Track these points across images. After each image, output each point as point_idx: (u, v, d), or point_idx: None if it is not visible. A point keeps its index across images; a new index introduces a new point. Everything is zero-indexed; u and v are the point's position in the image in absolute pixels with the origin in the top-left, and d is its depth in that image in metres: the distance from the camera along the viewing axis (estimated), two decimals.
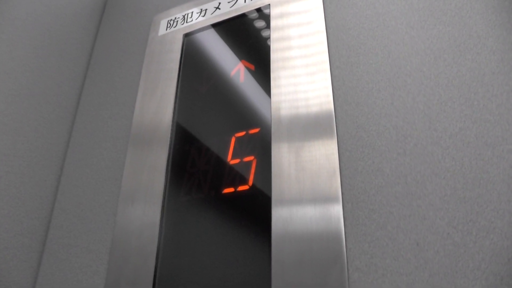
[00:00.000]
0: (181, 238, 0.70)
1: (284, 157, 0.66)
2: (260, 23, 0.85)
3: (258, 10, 0.86)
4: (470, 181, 0.54)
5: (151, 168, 0.78)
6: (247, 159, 0.71)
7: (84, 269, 0.77)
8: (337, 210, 0.59)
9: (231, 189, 0.70)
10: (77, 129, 0.99)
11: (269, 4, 0.84)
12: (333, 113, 0.66)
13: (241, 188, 0.69)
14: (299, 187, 0.63)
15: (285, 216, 0.61)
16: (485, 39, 0.62)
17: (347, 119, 0.66)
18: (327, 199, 0.60)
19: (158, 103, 0.86)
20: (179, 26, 0.96)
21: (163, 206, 0.73)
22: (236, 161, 0.72)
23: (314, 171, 0.63)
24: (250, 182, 0.68)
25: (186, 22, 0.95)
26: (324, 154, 0.64)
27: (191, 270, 0.67)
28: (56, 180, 0.93)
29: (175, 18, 0.98)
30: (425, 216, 0.54)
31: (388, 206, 0.57)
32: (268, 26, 0.82)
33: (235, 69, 0.82)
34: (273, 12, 0.83)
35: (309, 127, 0.67)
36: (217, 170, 0.73)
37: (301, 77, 0.72)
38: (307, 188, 0.62)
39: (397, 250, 0.54)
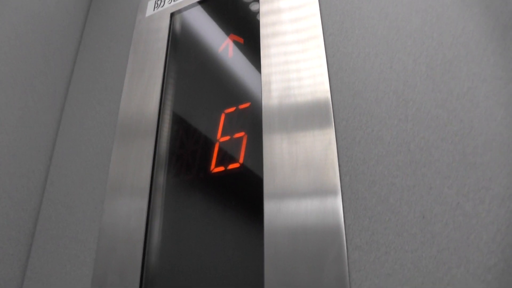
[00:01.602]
0: (169, 224, 0.65)
1: (276, 131, 0.61)
2: None
3: None
4: (481, 144, 0.48)
5: (139, 152, 0.73)
6: (237, 135, 0.66)
7: (72, 261, 0.73)
8: (333, 183, 0.53)
9: (221, 168, 0.64)
10: (66, 118, 0.95)
11: None
12: (328, 82, 0.61)
13: (231, 166, 0.64)
14: (292, 159, 0.57)
15: (277, 191, 0.56)
16: None
17: (342, 87, 0.60)
18: (323, 173, 0.54)
19: (145, 85, 0.81)
20: (166, 5, 0.91)
21: (150, 191, 0.68)
22: (226, 138, 0.66)
23: (308, 143, 0.57)
24: (241, 160, 0.63)
25: (173, 1, 0.90)
26: (318, 124, 0.58)
27: (180, 256, 0.62)
28: (45, 171, 0.89)
29: None
30: (432, 186, 0.48)
31: (390, 177, 0.51)
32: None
33: (223, 44, 0.77)
34: None
35: (301, 98, 0.61)
36: (206, 149, 0.68)
37: (292, 45, 0.66)
38: (301, 160, 0.57)
39: (400, 225, 0.48)
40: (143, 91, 0.80)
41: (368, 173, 0.53)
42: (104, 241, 0.69)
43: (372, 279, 0.47)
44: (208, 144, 0.68)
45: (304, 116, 0.60)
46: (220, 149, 0.66)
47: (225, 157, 0.65)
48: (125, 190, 0.71)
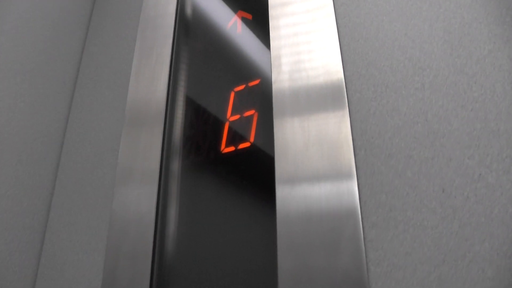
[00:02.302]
0: (180, 207, 0.64)
1: (287, 106, 0.58)
2: None
3: None
4: (505, 110, 0.44)
5: (148, 136, 0.72)
6: (247, 113, 0.63)
7: (84, 247, 0.72)
8: (347, 157, 0.50)
9: (231, 148, 0.62)
10: (75, 104, 0.94)
11: None
12: (339, 53, 0.58)
13: (242, 146, 0.61)
14: (304, 135, 0.54)
15: (289, 169, 0.54)
16: None
17: (356, 57, 0.57)
18: (336, 148, 0.52)
19: (153, 68, 0.79)
20: None
21: (160, 174, 0.66)
22: (236, 117, 0.64)
23: (321, 117, 0.55)
24: (252, 139, 0.61)
25: None
26: (330, 97, 0.55)
27: (191, 240, 0.60)
28: (57, 158, 0.88)
29: None
30: (451, 157, 0.45)
31: (407, 149, 0.48)
32: None
33: (232, 21, 0.74)
34: None
35: (313, 72, 0.58)
36: (215, 130, 0.65)
37: (302, 15, 0.63)
38: (313, 135, 0.54)
39: (419, 200, 0.45)
40: (151, 74, 0.78)
41: (384, 146, 0.50)
42: (115, 227, 0.68)
43: (391, 259, 0.45)
44: (217, 124, 0.66)
45: (316, 91, 0.57)
46: (230, 129, 0.64)
47: (236, 137, 0.62)
48: (135, 175, 0.69)
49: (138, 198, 0.66)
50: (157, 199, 0.65)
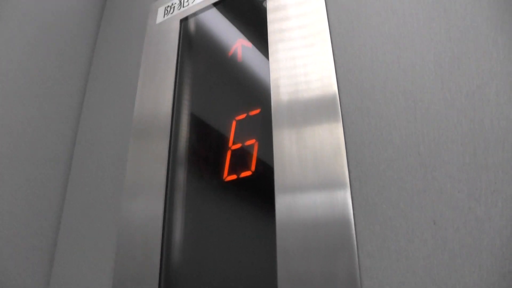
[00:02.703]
0: (184, 230, 0.66)
1: (286, 137, 0.60)
2: None
3: None
4: (493, 145, 0.46)
5: (153, 159, 0.74)
6: (248, 142, 0.65)
7: (92, 268, 0.74)
8: (343, 189, 0.52)
9: (233, 177, 0.65)
10: (82, 127, 0.96)
11: None
12: (335, 84, 0.60)
13: (243, 174, 0.64)
14: (302, 167, 0.57)
15: (288, 200, 0.56)
16: None
17: (351, 88, 0.59)
18: (333, 179, 0.54)
19: (157, 91, 0.81)
20: (176, 11, 0.91)
21: (165, 198, 0.69)
22: (238, 146, 0.66)
23: (318, 148, 0.57)
24: (253, 168, 0.63)
25: (183, 6, 0.90)
26: (327, 129, 0.57)
27: (195, 262, 0.62)
28: (65, 180, 0.91)
29: (172, 4, 0.93)
30: (442, 189, 0.47)
31: (400, 181, 0.50)
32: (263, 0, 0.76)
33: (233, 48, 0.77)
34: None
35: (310, 102, 0.61)
36: (218, 157, 0.68)
37: (300, 50, 0.65)
38: (311, 167, 0.56)
39: (412, 231, 0.47)
40: (155, 98, 0.81)
41: (378, 177, 0.52)
42: (123, 249, 0.70)
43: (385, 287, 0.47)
44: (220, 151, 0.68)
45: (313, 119, 0.59)
46: (232, 157, 0.66)
47: (237, 165, 0.65)
48: (141, 198, 0.72)
49: (145, 221, 0.69)
50: (162, 221, 0.67)
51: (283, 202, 0.56)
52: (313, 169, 0.56)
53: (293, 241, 0.53)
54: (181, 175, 0.71)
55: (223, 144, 0.68)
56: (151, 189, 0.71)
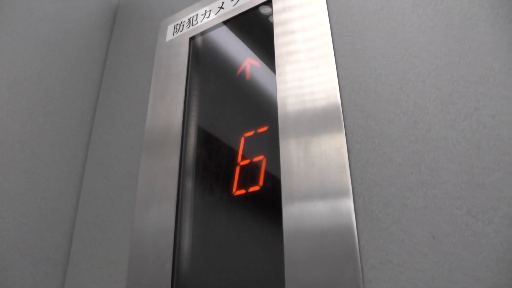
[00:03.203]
0: (195, 243, 0.69)
1: (293, 154, 0.63)
2: (262, 19, 0.83)
3: (260, 6, 0.84)
4: (489, 165, 0.49)
5: (164, 174, 0.77)
6: (257, 159, 0.68)
7: (106, 279, 0.77)
8: (348, 205, 0.55)
9: (242, 191, 0.68)
10: (94, 141, 1.00)
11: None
12: (340, 104, 0.63)
13: (252, 189, 0.67)
14: (308, 184, 0.60)
15: (295, 214, 0.59)
16: (499, 9, 0.57)
17: (355, 108, 0.62)
18: (337, 194, 0.57)
19: (168, 108, 0.85)
20: (185, 30, 0.94)
21: (177, 212, 0.72)
22: (246, 162, 0.70)
23: (324, 166, 0.60)
24: (261, 183, 0.66)
25: (192, 25, 0.94)
26: (333, 147, 0.60)
27: (206, 274, 0.65)
28: (77, 193, 0.94)
29: (181, 22, 0.97)
30: (442, 206, 0.50)
31: (402, 198, 0.53)
32: (271, 21, 0.80)
33: (241, 67, 0.80)
34: (275, 7, 0.80)
35: (316, 121, 0.64)
36: (228, 172, 0.71)
37: (306, 71, 0.69)
38: (317, 184, 0.59)
39: (413, 245, 0.50)
40: (166, 114, 0.84)
41: (381, 194, 0.55)
42: (135, 261, 0.73)
43: None
44: (229, 166, 0.71)
45: (319, 136, 0.62)
46: (241, 172, 0.69)
47: (246, 180, 0.68)
48: (153, 211, 0.75)
49: (156, 234, 0.72)
50: (174, 234, 0.70)
51: (290, 213, 0.59)
52: (319, 184, 0.59)
53: (300, 252, 0.56)
54: (192, 188, 0.74)
55: (232, 160, 0.71)
56: (163, 202, 0.74)
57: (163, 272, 0.68)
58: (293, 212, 0.59)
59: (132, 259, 0.74)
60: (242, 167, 0.69)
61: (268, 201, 0.64)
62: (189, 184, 0.75)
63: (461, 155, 0.51)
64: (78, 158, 0.97)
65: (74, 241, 0.88)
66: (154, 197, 0.76)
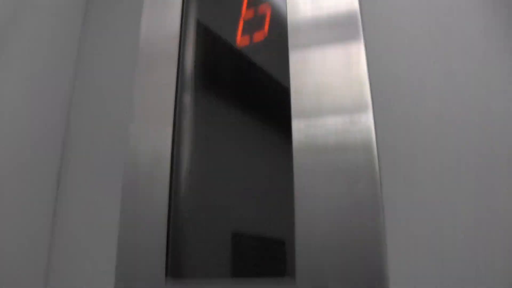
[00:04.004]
0: (195, 153, 0.64)
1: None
2: None
3: None
4: None
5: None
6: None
7: (98, 205, 0.74)
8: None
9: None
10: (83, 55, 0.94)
11: None
12: None
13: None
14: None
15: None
16: None
17: None
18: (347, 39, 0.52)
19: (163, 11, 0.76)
20: None
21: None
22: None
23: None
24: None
25: None
26: None
27: (207, 185, 0.60)
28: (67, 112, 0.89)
29: None
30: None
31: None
32: None
33: None
34: None
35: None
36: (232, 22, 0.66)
37: None
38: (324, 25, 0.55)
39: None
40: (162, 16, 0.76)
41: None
42: (129, 178, 0.67)
43: None
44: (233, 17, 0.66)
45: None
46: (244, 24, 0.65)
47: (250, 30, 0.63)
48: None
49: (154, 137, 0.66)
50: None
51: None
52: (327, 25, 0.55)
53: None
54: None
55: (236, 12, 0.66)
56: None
57: (160, 183, 0.63)
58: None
59: (126, 176, 0.68)
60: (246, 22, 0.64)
61: (274, 51, 0.60)
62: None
63: None
64: (66, 75, 0.91)
65: (65, 153, 0.84)
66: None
